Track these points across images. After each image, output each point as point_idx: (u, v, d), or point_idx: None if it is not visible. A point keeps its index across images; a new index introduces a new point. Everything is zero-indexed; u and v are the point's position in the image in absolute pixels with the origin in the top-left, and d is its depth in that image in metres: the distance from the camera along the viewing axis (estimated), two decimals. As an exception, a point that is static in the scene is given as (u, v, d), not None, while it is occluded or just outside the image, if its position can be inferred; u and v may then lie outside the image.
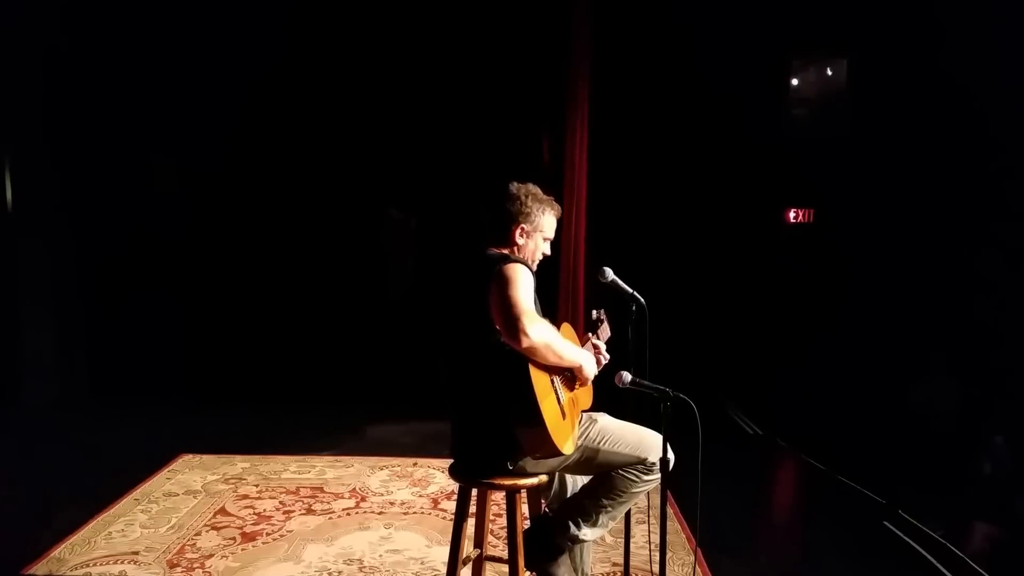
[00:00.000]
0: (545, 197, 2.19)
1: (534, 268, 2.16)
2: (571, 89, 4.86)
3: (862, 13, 4.32)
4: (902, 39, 4.05)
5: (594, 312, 2.28)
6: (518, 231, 2.13)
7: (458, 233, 4.99)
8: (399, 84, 5.21)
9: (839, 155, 4.54)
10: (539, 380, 1.95)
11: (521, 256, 2.13)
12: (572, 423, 2.08)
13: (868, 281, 4.32)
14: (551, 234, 2.20)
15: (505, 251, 2.12)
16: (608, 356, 2.18)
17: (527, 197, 2.14)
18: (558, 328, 2.15)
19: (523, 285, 1.92)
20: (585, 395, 2.19)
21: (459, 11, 5.06)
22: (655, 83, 5.00)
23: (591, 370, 2.11)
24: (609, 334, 2.29)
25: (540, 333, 1.91)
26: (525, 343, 1.88)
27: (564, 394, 2.06)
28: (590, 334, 2.27)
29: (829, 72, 4.71)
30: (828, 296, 4.61)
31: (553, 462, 2.06)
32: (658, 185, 5.07)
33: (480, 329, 1.98)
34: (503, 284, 1.91)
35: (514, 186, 2.16)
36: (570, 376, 2.10)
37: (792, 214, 4.91)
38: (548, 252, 2.23)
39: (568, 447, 2.00)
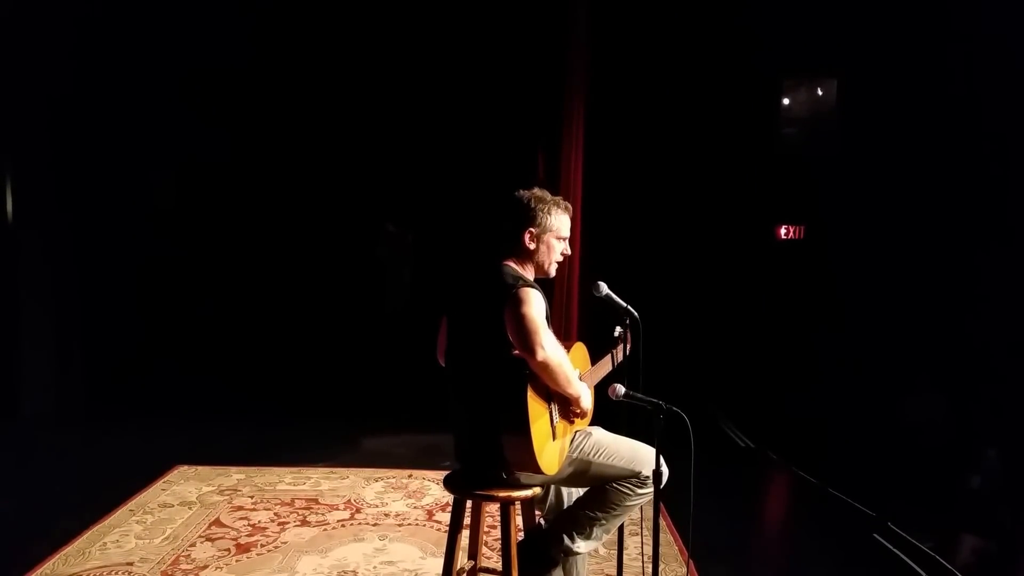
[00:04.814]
0: (551, 198, 2.18)
1: (552, 272, 2.19)
2: (567, 104, 4.92)
3: (852, 35, 4.41)
4: (891, 60, 4.13)
5: (617, 329, 2.28)
6: (527, 236, 2.13)
7: (455, 247, 5.04)
8: (396, 99, 5.27)
9: (829, 173, 4.61)
10: (535, 401, 2.00)
11: (537, 260, 2.15)
12: (561, 446, 2.11)
13: (858, 296, 4.37)
14: (566, 233, 2.18)
15: (517, 266, 2.14)
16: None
17: (531, 200, 2.14)
18: (572, 346, 2.21)
19: (536, 305, 1.98)
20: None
21: (457, 27, 5.12)
22: (649, 99, 5.07)
23: (588, 403, 2.15)
24: (621, 358, 2.28)
25: (554, 351, 1.97)
26: (540, 355, 1.93)
27: (558, 418, 2.10)
28: (613, 351, 2.31)
29: (820, 92, 4.80)
30: (819, 311, 4.67)
31: (544, 476, 2.10)
32: (651, 200, 5.13)
33: (493, 344, 2.01)
34: (517, 304, 1.96)
35: (519, 193, 2.18)
36: (567, 406, 2.13)
37: (783, 230, 4.97)
38: (568, 252, 2.21)
39: (552, 468, 2.04)
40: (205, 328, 5.39)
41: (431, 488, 3.63)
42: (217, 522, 3.20)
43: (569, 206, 2.21)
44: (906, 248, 4.00)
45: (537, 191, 2.19)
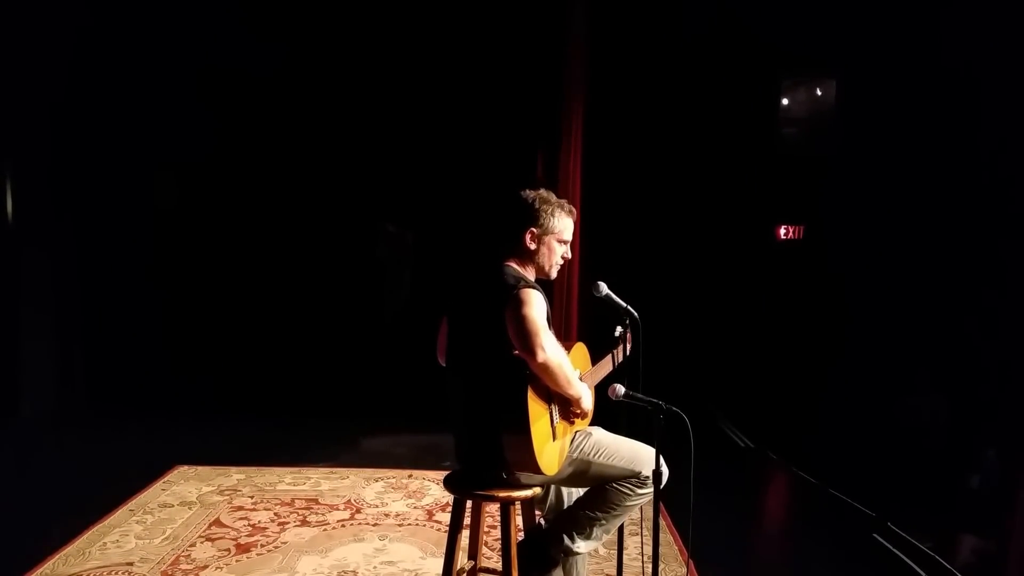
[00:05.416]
0: (556, 200, 2.17)
1: (553, 275, 2.19)
2: (566, 105, 4.93)
3: (851, 35, 4.41)
4: (891, 60, 4.14)
5: (618, 329, 2.26)
6: (528, 236, 2.13)
7: (454, 247, 5.05)
8: (395, 99, 5.27)
9: (829, 173, 4.62)
10: (535, 402, 2.00)
11: (537, 261, 2.15)
12: (561, 446, 2.11)
13: (858, 296, 4.37)
14: (568, 236, 2.18)
15: (519, 266, 2.14)
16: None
17: (535, 200, 2.14)
18: (573, 346, 2.21)
19: (537, 306, 1.98)
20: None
21: (456, 26, 5.13)
22: (648, 100, 5.08)
23: (588, 403, 2.15)
24: (621, 359, 2.28)
25: (555, 352, 1.97)
26: (540, 357, 1.93)
27: (559, 419, 2.10)
28: (614, 351, 2.30)
29: (819, 92, 4.80)
30: (819, 311, 4.67)
31: (544, 476, 2.10)
32: (651, 200, 5.14)
33: (494, 345, 2.01)
34: (518, 305, 1.96)
35: (524, 192, 2.17)
36: (568, 407, 2.14)
37: (783, 231, 4.98)
38: (568, 255, 2.21)
39: (552, 468, 2.04)
40: (206, 328, 5.39)
41: (431, 488, 3.63)
42: (217, 522, 3.20)
43: (573, 210, 2.20)
44: (906, 248, 4.00)
45: (543, 192, 2.18)
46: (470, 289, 2.19)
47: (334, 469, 3.91)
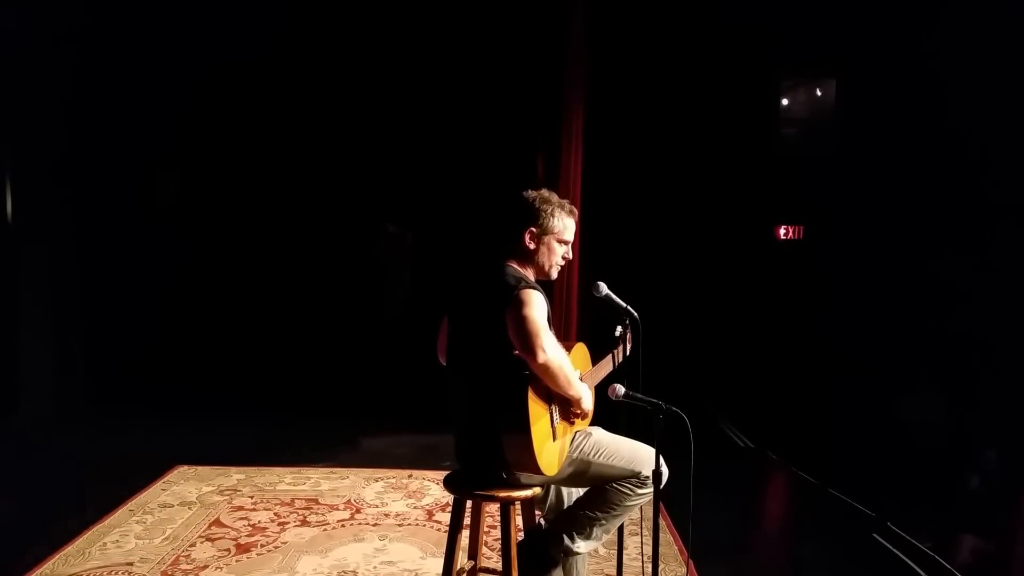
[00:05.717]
0: (557, 200, 2.16)
1: (554, 275, 2.18)
2: (566, 106, 4.93)
3: (851, 35, 4.41)
4: (890, 60, 4.14)
5: (618, 329, 2.25)
6: (527, 236, 2.12)
7: (454, 248, 5.05)
8: (396, 100, 5.28)
9: (829, 173, 4.62)
10: (536, 402, 2.00)
11: (537, 261, 2.14)
12: (561, 446, 2.11)
13: (858, 296, 4.37)
14: (568, 237, 2.17)
15: (519, 266, 2.13)
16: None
17: (535, 200, 2.13)
18: (573, 347, 2.21)
19: (537, 307, 1.98)
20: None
21: (456, 27, 5.14)
22: (648, 100, 5.09)
23: (589, 404, 2.15)
24: (622, 359, 2.27)
25: (555, 353, 1.97)
26: (541, 358, 1.93)
27: (559, 419, 2.10)
28: (614, 351, 2.30)
29: (818, 92, 4.80)
30: (818, 311, 4.67)
31: (543, 476, 2.10)
32: (651, 201, 5.15)
33: (494, 345, 2.01)
34: (519, 306, 1.96)
35: (526, 192, 2.16)
36: (568, 407, 2.14)
37: (783, 231, 4.98)
38: (569, 256, 2.20)
39: (551, 469, 2.04)
40: (206, 328, 5.40)
41: (431, 488, 3.63)
42: (217, 522, 3.20)
43: (575, 210, 2.19)
44: (905, 247, 4.00)
45: (544, 192, 2.18)
46: (471, 289, 2.19)
47: (334, 469, 3.91)
